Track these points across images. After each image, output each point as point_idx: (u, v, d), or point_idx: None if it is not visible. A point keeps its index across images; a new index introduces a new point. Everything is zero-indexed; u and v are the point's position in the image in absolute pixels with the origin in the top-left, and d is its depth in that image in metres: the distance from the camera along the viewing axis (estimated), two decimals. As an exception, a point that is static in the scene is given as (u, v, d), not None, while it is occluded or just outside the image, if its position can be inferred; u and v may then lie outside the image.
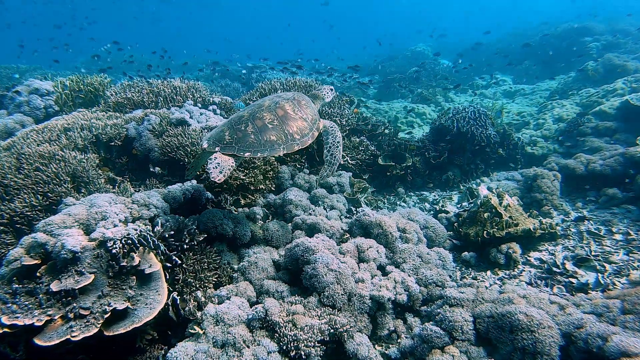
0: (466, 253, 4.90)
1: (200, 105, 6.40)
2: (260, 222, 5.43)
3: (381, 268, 4.28)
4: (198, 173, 5.37)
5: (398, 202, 6.99)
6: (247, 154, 3.71)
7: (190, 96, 6.33)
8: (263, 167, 5.90)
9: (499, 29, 28.35)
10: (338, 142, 4.42)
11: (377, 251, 4.34)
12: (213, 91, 15.32)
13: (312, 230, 4.89)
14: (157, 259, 3.80)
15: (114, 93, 6.12)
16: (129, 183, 5.30)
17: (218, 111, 6.53)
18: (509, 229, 4.77)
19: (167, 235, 4.00)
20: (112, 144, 5.34)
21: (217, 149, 3.72)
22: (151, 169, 5.38)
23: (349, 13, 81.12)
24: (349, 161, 6.86)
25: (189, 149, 5.38)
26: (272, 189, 5.95)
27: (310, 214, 5.31)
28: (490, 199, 5.16)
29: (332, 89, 4.97)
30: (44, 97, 6.27)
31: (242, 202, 5.64)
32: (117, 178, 5.26)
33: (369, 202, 6.72)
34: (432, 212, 6.42)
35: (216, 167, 3.59)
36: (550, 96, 12.53)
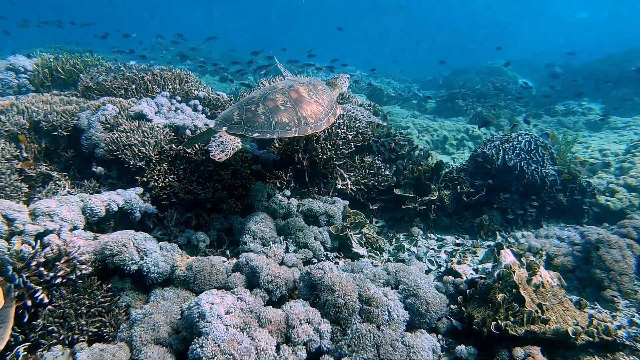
0: (462, 347, 3.34)
1: (179, 98, 5.50)
2: (205, 250, 4.35)
3: (315, 356, 2.94)
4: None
5: (406, 246, 5.48)
6: (255, 135, 3.58)
7: (170, 87, 5.45)
8: (230, 181, 4.81)
9: (584, 52, 24.47)
10: (359, 106, 4.62)
11: (317, 329, 3.00)
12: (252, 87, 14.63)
13: (254, 275, 3.68)
14: (10, 294, 2.86)
15: (88, 77, 5.47)
16: (67, 182, 4.50)
17: (200, 107, 5.57)
18: (533, 327, 3.14)
19: (35, 264, 3.04)
20: (56, 133, 4.59)
21: (224, 128, 3.62)
22: (93, 168, 4.55)
23: (428, 20, 78.29)
24: (350, 186, 5.51)
25: (136, 150, 4.45)
26: (239, 210, 4.83)
27: (263, 252, 4.09)
28: (514, 271, 3.54)
29: (348, 77, 4.86)
30: (20, 75, 5.83)
31: (194, 222, 4.59)
32: (54, 175, 4.49)
33: (367, 241, 5.31)
34: (443, 268, 4.85)
35: (218, 146, 3.47)
36: (649, 132, 9.96)
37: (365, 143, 6.09)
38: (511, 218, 6.19)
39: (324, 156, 5.20)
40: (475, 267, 4.69)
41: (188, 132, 4.79)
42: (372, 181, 5.74)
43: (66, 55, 6.14)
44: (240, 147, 3.69)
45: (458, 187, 6.29)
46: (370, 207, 5.90)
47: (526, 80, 20.66)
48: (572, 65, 19.45)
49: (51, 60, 5.93)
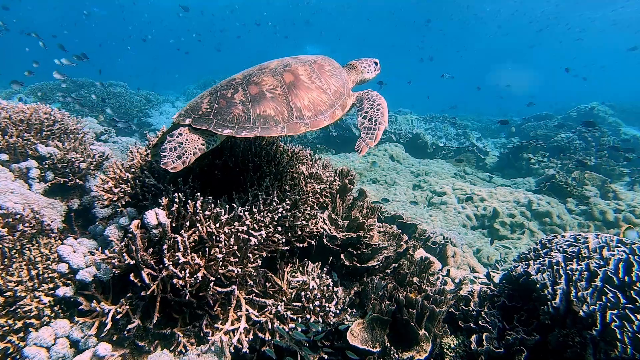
0: None
1: (6, 157, 3.55)
2: None
3: None
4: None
5: None
6: (226, 131, 2.61)
7: (6, 139, 3.54)
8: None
9: None
10: (378, 104, 3.00)
11: None
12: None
13: None
14: None
15: None
16: None
17: (35, 173, 3.55)
18: None
19: None
20: None
21: (187, 120, 2.66)
22: None
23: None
24: (240, 335, 2.95)
25: None
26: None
27: None
28: None
29: (376, 62, 3.55)
30: None
31: None
32: None
33: None
34: None
35: (174, 149, 2.54)
36: None
37: (305, 244, 3.54)
38: (585, 412, 3.10)
39: (189, 280, 2.78)
40: None
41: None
42: (298, 322, 3.13)
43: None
44: (206, 151, 2.66)
45: (475, 335, 3.40)
46: (304, 363, 3.25)
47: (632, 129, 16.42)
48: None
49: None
